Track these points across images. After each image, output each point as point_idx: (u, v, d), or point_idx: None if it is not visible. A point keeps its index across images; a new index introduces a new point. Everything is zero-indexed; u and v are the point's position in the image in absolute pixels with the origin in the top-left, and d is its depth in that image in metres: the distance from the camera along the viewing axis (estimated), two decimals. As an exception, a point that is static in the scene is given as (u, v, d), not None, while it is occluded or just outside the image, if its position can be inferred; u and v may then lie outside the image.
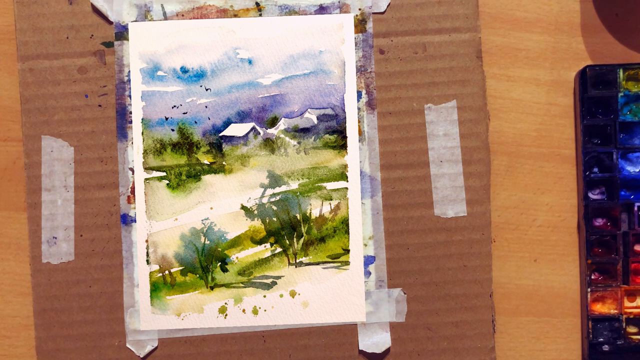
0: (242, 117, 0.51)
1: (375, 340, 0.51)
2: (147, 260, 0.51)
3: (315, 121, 0.51)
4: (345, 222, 0.51)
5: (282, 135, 0.51)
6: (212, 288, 0.51)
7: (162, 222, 0.51)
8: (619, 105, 0.52)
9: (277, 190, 0.51)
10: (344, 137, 0.51)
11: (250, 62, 0.51)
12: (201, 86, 0.51)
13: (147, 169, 0.51)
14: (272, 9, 0.51)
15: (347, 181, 0.51)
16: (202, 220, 0.51)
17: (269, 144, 0.51)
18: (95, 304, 0.51)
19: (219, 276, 0.51)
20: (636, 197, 0.52)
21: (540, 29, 0.53)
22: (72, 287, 0.51)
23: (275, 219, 0.51)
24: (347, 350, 0.51)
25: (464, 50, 0.51)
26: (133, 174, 0.51)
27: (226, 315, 0.51)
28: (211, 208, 0.51)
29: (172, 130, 0.51)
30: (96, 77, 0.51)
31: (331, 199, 0.51)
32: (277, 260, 0.51)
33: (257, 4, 0.51)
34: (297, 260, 0.51)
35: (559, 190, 0.53)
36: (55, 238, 0.51)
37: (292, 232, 0.51)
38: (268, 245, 0.51)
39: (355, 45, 0.51)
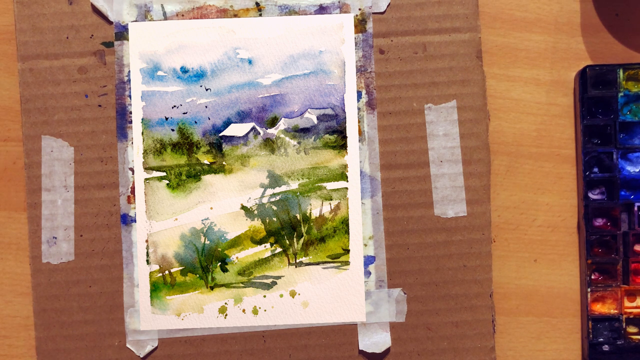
0: (242, 117, 0.51)
1: (375, 340, 0.51)
2: (147, 260, 0.51)
3: (315, 121, 0.51)
4: (345, 222, 0.51)
5: (282, 135, 0.51)
6: (212, 288, 0.51)
7: (162, 222, 0.51)
8: (619, 105, 0.52)
9: (277, 190, 0.51)
10: (344, 137, 0.51)
11: (250, 62, 0.51)
12: (201, 86, 0.51)
13: (147, 169, 0.51)
14: (272, 9, 0.51)
15: (347, 181, 0.51)
16: (202, 220, 0.51)
17: (269, 144, 0.51)
18: (95, 304, 0.51)
19: (219, 276, 0.51)
20: (636, 197, 0.52)
21: (540, 29, 0.53)
22: (72, 287, 0.51)
23: (275, 219, 0.51)
24: (347, 350, 0.51)
25: (464, 50, 0.51)
26: (133, 174, 0.51)
27: (226, 315, 0.51)
28: (211, 208, 0.51)
29: (172, 130, 0.51)
30: (96, 77, 0.51)
31: (331, 199, 0.51)
32: (277, 260, 0.51)
33: (257, 4, 0.51)
34: (297, 260, 0.51)
35: (559, 190, 0.53)
36: (55, 238, 0.51)
37: (292, 232, 0.51)
38: (268, 245, 0.51)
39: (355, 45, 0.51)
